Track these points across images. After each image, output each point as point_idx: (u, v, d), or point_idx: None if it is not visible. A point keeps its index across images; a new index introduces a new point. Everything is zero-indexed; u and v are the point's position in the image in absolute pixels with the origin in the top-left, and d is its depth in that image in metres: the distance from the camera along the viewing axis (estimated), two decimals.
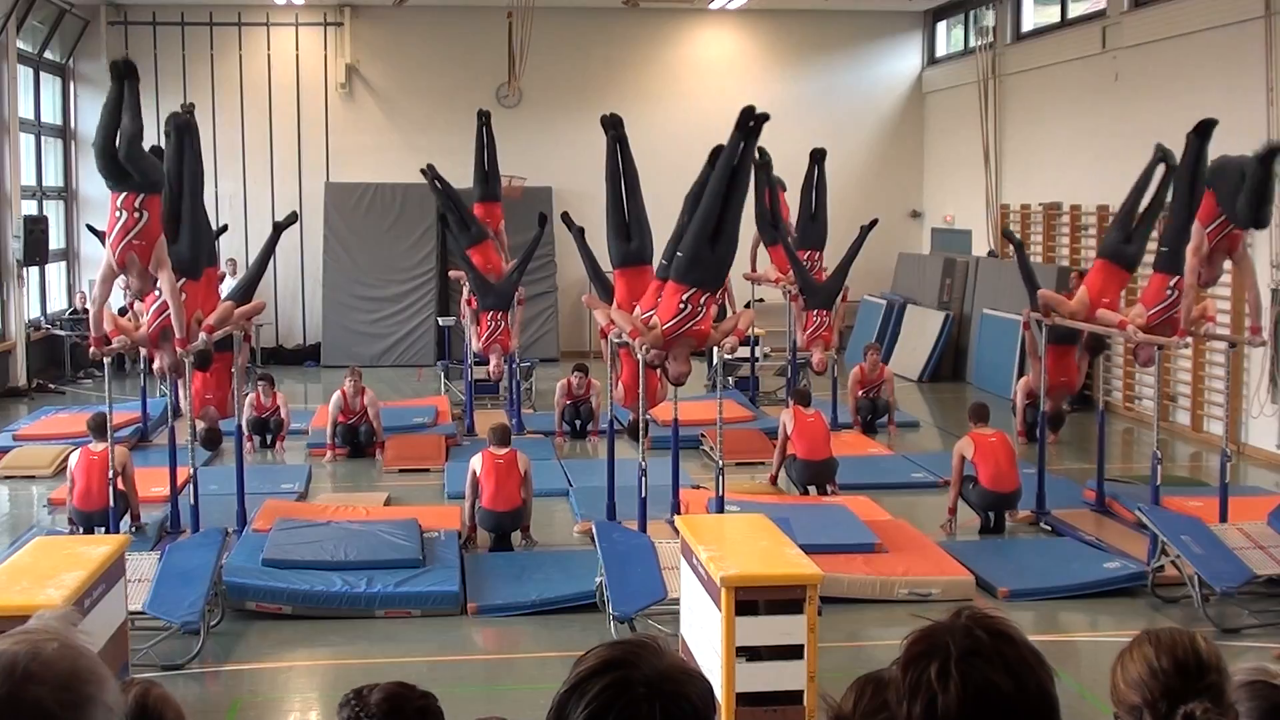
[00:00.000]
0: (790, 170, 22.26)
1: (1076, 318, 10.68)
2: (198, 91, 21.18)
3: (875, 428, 14.93)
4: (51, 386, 18.03)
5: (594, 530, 9.07)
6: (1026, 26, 19.51)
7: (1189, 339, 10.61)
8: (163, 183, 9.81)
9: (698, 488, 11.38)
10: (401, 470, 12.97)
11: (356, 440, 13.58)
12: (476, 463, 10.16)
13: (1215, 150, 13.58)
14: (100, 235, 15.76)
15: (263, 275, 12.80)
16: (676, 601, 7.75)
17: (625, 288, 10.20)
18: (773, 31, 22.12)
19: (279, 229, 12.92)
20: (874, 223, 14.87)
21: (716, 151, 10.08)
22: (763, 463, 12.84)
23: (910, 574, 9.16)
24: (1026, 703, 1.83)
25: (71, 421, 14.34)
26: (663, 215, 23.90)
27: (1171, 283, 10.05)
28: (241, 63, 21.38)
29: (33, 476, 12.69)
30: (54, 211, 20.47)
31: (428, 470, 12.95)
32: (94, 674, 1.52)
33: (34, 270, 19.02)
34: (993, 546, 10.25)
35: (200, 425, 10.76)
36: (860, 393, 14.94)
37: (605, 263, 11.22)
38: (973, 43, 20.34)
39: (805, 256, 14.67)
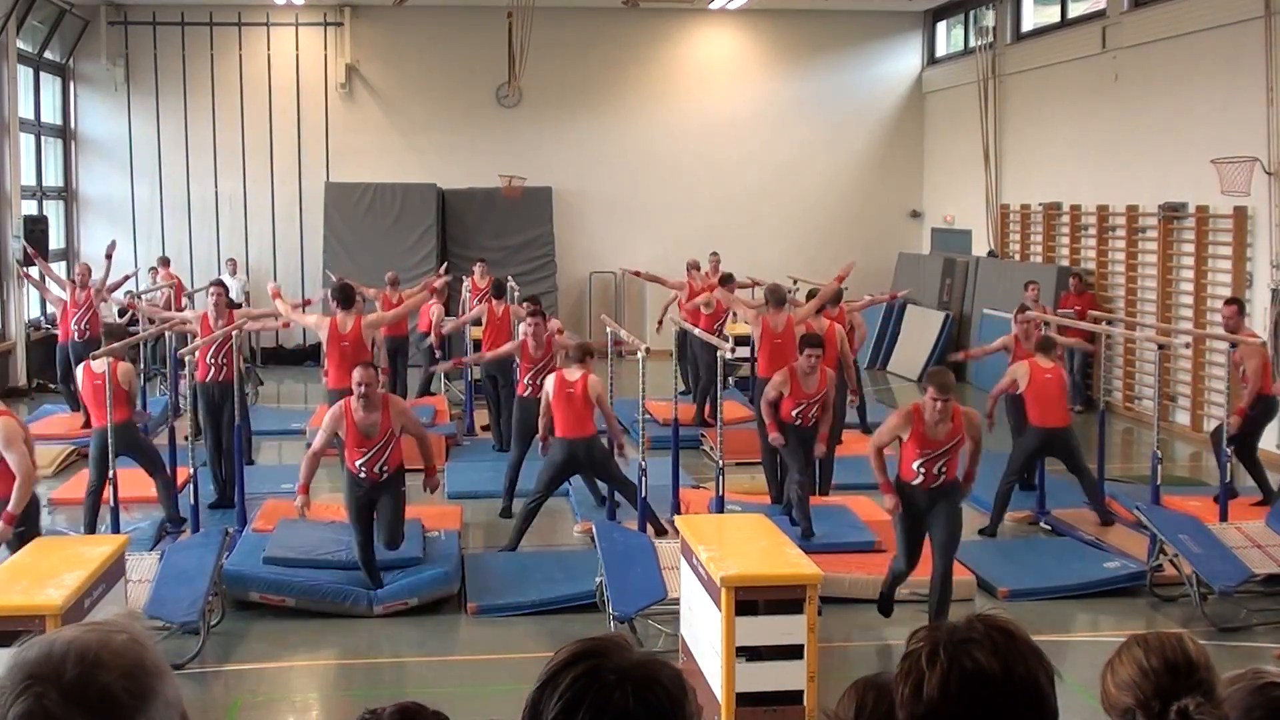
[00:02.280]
0: (786, 170, 22.32)
1: None
2: (198, 91, 21.22)
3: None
4: (51, 386, 18.02)
5: (594, 530, 9.07)
6: (1026, 26, 19.51)
7: (1189, 339, 10.72)
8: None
9: (698, 488, 11.38)
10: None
11: None
12: (549, 386, 10.04)
13: (1213, 150, 13.67)
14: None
15: None
16: (676, 601, 7.75)
17: None
18: (773, 31, 22.12)
19: None
20: None
21: None
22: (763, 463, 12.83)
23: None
24: (1012, 687, 1.86)
25: (70, 421, 14.35)
26: (664, 212, 23.95)
27: None
28: (241, 63, 21.38)
29: None
30: (54, 211, 20.47)
31: None
32: (158, 668, 1.58)
33: (34, 270, 18.99)
34: (993, 547, 10.25)
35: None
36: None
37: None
38: (973, 43, 20.34)
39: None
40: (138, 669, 1.54)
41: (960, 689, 1.86)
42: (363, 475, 8.80)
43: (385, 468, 8.81)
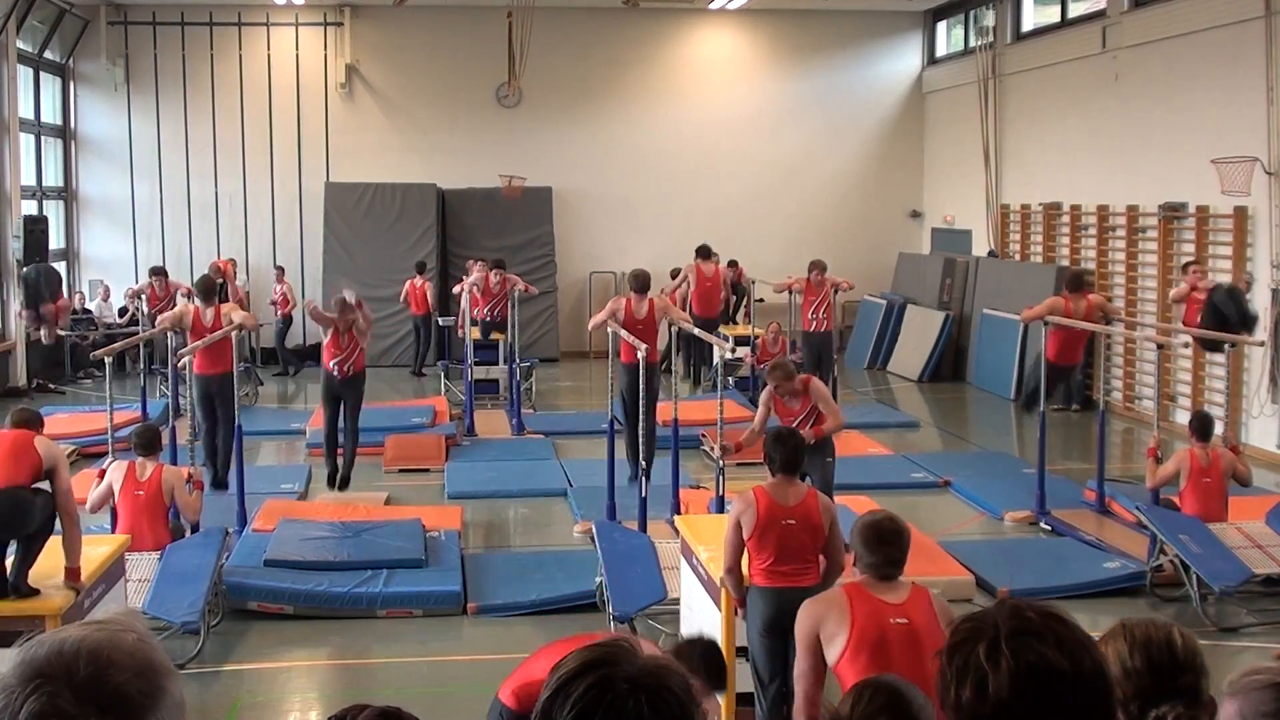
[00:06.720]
0: (786, 170, 22.32)
1: None
2: (198, 91, 21.22)
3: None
4: (51, 386, 18.04)
5: (594, 530, 9.07)
6: (1026, 26, 19.51)
7: (1189, 339, 10.64)
8: None
9: (698, 488, 11.38)
10: (401, 470, 12.97)
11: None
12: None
13: (1213, 150, 13.67)
14: None
15: None
16: (676, 601, 7.75)
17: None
18: (773, 31, 22.12)
19: None
20: None
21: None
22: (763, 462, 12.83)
23: (910, 574, 9.14)
24: (1083, 681, 1.76)
25: (71, 422, 14.35)
26: (663, 212, 23.87)
27: None
28: (241, 63, 21.38)
29: None
30: (54, 211, 20.47)
31: (428, 470, 12.95)
32: (166, 667, 1.58)
33: None
34: (993, 546, 10.26)
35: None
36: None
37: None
38: (973, 43, 20.34)
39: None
40: (148, 669, 1.54)
41: (1030, 688, 1.73)
42: None
43: None
